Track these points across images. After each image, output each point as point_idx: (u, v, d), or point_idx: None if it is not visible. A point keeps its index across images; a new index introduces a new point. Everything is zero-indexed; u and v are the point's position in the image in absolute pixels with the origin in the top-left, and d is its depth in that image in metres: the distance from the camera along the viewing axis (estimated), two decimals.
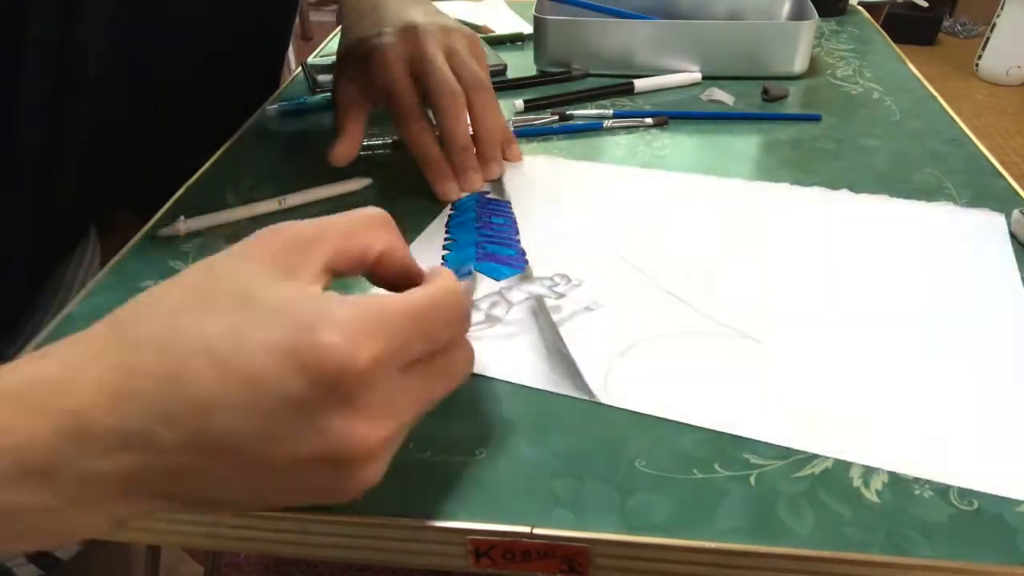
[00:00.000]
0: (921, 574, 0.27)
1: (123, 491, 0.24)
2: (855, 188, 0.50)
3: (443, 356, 0.27)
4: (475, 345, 0.30)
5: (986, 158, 0.53)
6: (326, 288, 0.27)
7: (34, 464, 0.22)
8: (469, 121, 0.48)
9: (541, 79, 0.66)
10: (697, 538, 0.28)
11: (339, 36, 0.55)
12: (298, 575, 0.98)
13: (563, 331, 0.38)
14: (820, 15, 0.66)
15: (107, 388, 0.23)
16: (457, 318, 0.27)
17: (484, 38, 0.75)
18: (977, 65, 2.50)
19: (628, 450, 0.32)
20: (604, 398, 0.34)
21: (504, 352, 0.37)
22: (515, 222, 0.47)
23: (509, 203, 0.49)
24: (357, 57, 0.48)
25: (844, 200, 0.49)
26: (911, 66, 0.69)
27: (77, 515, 0.24)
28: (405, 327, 0.24)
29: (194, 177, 0.53)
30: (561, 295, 0.40)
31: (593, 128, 0.58)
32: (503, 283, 0.41)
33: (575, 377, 0.35)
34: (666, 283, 0.41)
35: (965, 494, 0.29)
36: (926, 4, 2.15)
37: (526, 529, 0.29)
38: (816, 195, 0.49)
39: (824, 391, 0.34)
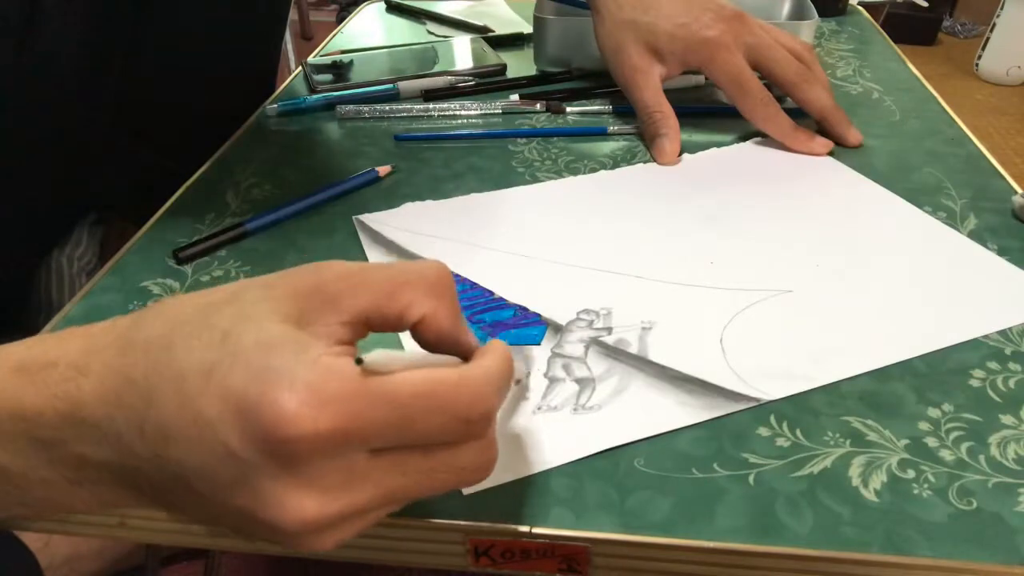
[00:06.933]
0: (920, 574, 0.27)
1: (109, 479, 0.25)
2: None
3: (433, 451, 0.24)
4: (587, 416, 0.32)
5: (986, 158, 0.53)
6: (356, 339, 0.25)
7: (42, 435, 0.24)
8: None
9: (541, 79, 0.66)
10: (696, 538, 0.28)
11: (596, 22, 0.58)
12: (298, 575, 0.98)
13: (652, 357, 0.35)
14: (820, 15, 0.66)
15: (104, 387, 0.24)
16: (460, 414, 0.23)
17: (484, 38, 0.75)
18: (977, 65, 2.50)
19: (627, 449, 0.32)
20: (764, 394, 0.34)
21: (625, 409, 0.33)
22: (479, 286, 0.41)
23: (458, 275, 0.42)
24: (677, 44, 0.53)
25: (861, 188, 0.50)
26: (911, 66, 0.69)
27: (71, 492, 0.26)
28: (378, 410, 0.22)
29: (194, 177, 0.53)
30: (609, 329, 0.36)
31: (598, 132, 0.58)
32: (542, 348, 0.36)
33: (728, 385, 0.34)
34: (672, 276, 0.41)
35: (964, 493, 0.30)
36: (926, 4, 2.15)
37: (525, 528, 0.29)
38: (851, 178, 0.51)
39: (848, 320, 0.38)
